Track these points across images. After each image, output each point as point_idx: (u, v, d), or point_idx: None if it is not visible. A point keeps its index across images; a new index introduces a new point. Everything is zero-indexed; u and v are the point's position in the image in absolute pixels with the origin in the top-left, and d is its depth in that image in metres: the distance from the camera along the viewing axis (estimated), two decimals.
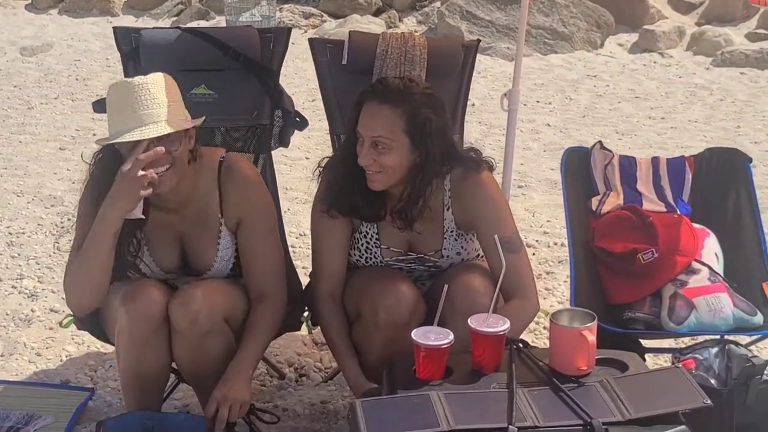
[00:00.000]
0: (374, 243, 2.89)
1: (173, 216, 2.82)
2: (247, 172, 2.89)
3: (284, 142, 3.52)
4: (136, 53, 3.41)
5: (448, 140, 2.80)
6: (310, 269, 3.01)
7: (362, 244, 2.90)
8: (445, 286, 2.50)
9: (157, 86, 2.59)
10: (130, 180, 2.52)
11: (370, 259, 2.90)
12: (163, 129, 2.54)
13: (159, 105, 2.57)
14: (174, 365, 2.86)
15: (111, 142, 2.58)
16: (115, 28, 3.50)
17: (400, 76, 2.81)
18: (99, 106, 3.32)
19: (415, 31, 10.30)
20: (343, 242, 2.90)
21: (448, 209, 2.85)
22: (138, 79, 2.59)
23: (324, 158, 2.95)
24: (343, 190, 2.81)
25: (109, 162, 2.67)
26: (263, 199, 2.92)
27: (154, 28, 3.67)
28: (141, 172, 2.52)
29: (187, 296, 2.65)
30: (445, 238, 2.86)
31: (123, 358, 2.74)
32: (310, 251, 2.98)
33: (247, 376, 2.73)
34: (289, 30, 3.58)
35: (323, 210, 2.84)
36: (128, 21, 11.59)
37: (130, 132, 2.53)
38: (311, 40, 3.51)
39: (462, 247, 2.88)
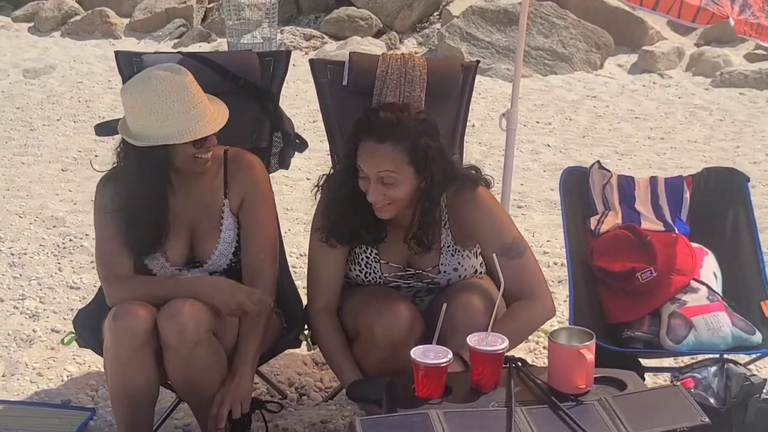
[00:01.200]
0: (374, 258, 2.92)
1: (184, 199, 2.93)
2: (251, 159, 3.07)
3: (284, 164, 3.53)
4: None
5: (447, 161, 2.83)
6: None
7: (362, 260, 2.92)
8: (444, 305, 2.52)
9: (192, 84, 2.77)
10: (233, 305, 2.75)
11: (370, 274, 2.92)
12: (224, 115, 2.84)
13: (202, 99, 2.79)
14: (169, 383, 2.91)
15: (184, 141, 2.73)
16: (116, 53, 3.54)
17: (391, 107, 2.77)
18: (101, 129, 3.36)
19: (416, 53, 10.36)
20: (341, 259, 2.93)
21: (445, 225, 2.89)
22: (171, 79, 2.73)
23: (322, 176, 2.97)
24: (342, 219, 2.84)
25: (135, 159, 2.79)
26: (265, 182, 3.07)
27: (155, 52, 3.71)
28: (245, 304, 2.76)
29: (174, 309, 2.69)
30: (442, 254, 2.89)
31: (110, 376, 2.79)
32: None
33: (246, 371, 2.83)
34: (289, 53, 3.60)
35: (321, 239, 2.88)
36: (130, 43, 11.65)
37: (194, 128, 2.73)
38: (312, 61, 3.54)
39: (459, 263, 2.90)
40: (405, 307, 2.76)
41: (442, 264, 2.90)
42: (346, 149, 2.82)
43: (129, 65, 3.46)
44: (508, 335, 2.48)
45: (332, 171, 2.98)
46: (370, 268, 2.92)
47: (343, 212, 2.83)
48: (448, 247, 2.90)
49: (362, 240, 2.89)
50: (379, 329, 2.71)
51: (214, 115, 2.80)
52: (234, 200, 2.99)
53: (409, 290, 2.96)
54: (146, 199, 2.83)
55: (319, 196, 2.95)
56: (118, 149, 2.86)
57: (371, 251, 2.92)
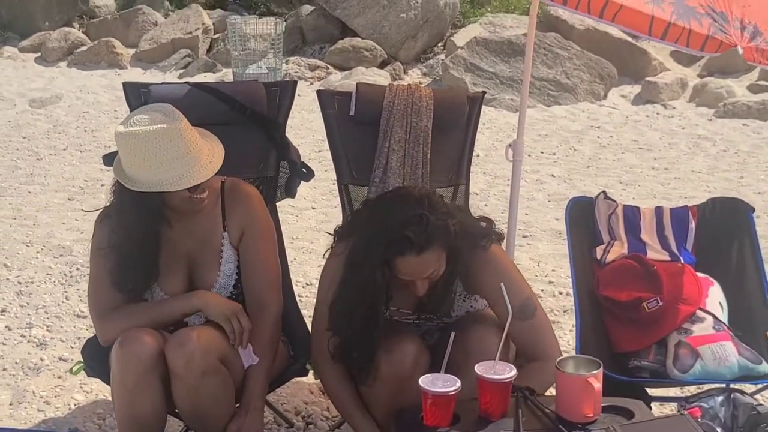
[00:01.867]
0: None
1: (182, 233, 2.92)
2: (249, 189, 3.05)
3: (290, 193, 3.55)
4: None
5: (466, 228, 2.77)
6: None
7: None
8: (452, 334, 2.52)
9: (186, 130, 2.73)
10: (229, 313, 2.79)
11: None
12: (219, 158, 2.80)
13: (197, 143, 2.75)
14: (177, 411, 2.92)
15: (179, 188, 2.71)
16: (124, 84, 3.56)
17: (411, 217, 2.62)
18: (109, 159, 3.38)
19: (420, 83, 10.40)
20: None
21: (457, 278, 2.86)
22: (164, 129, 2.68)
23: (337, 228, 2.93)
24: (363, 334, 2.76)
25: (129, 199, 2.77)
26: (264, 213, 3.07)
27: (162, 83, 3.73)
28: (231, 327, 2.78)
29: (182, 338, 2.69)
30: (455, 301, 2.90)
31: (117, 403, 2.79)
32: (315, 300, 3.00)
33: (258, 407, 2.84)
34: (295, 83, 3.63)
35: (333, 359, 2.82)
36: (136, 73, 11.72)
37: (188, 175, 2.70)
38: (319, 92, 3.56)
39: (471, 306, 2.92)
40: (411, 341, 2.75)
41: (454, 310, 2.91)
42: (373, 261, 2.66)
43: (137, 96, 3.49)
44: None
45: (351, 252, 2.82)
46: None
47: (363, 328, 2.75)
48: (461, 294, 2.90)
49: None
50: (386, 364, 2.70)
51: (209, 158, 2.77)
52: (233, 233, 2.98)
53: (419, 329, 2.96)
54: (141, 237, 2.82)
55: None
56: (113, 188, 2.85)
57: None
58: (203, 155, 2.75)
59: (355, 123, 3.49)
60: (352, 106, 3.49)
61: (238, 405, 2.88)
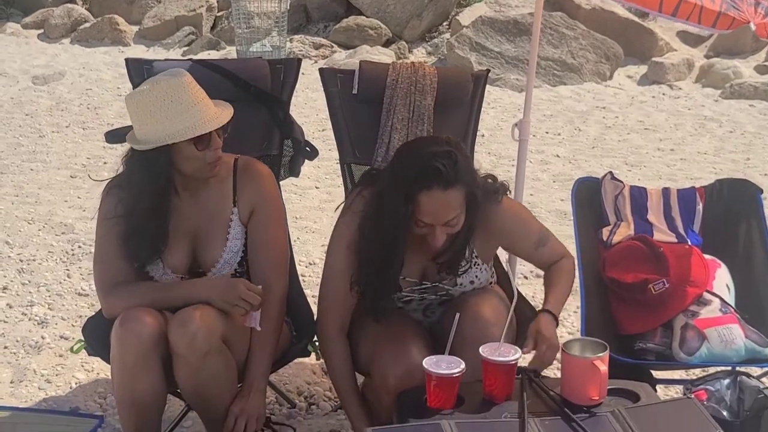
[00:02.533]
0: None
1: (190, 205, 2.89)
2: (262, 168, 3.02)
3: (294, 172, 3.53)
4: None
5: (480, 182, 2.77)
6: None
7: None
8: (457, 315, 2.49)
9: (191, 84, 2.73)
10: (233, 299, 2.71)
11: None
12: (227, 115, 2.77)
13: (203, 98, 2.75)
14: (179, 391, 2.90)
15: (184, 138, 2.68)
16: (127, 60, 3.53)
17: (440, 153, 2.59)
18: (111, 136, 3.36)
19: (425, 62, 10.35)
20: None
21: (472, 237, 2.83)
22: (169, 81, 2.70)
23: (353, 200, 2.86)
24: (386, 270, 2.76)
25: (140, 165, 2.76)
26: (276, 194, 3.04)
27: (165, 59, 3.70)
28: (242, 308, 2.72)
29: (185, 318, 2.66)
30: (465, 265, 2.86)
31: (117, 383, 2.77)
32: (319, 280, 2.96)
33: (260, 388, 2.84)
34: (299, 61, 3.59)
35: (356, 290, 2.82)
36: (139, 51, 11.68)
37: (194, 126, 2.68)
38: (321, 70, 3.52)
39: (476, 276, 2.87)
40: (418, 351, 2.68)
41: (459, 277, 2.87)
42: (397, 198, 2.61)
43: (139, 73, 3.46)
44: (560, 300, 2.82)
45: (366, 210, 2.79)
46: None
47: (387, 262, 2.74)
48: (468, 261, 2.86)
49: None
50: (393, 378, 2.65)
51: (216, 113, 2.75)
52: (243, 210, 2.94)
53: (421, 303, 2.93)
54: (150, 206, 2.79)
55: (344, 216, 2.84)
56: (125, 158, 2.83)
57: None
58: (210, 110, 2.74)
59: (357, 101, 3.46)
60: (355, 84, 3.45)
61: (240, 385, 2.87)
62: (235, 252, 2.94)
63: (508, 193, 2.90)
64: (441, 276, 2.85)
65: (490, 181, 2.85)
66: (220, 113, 2.77)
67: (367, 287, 2.79)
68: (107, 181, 2.93)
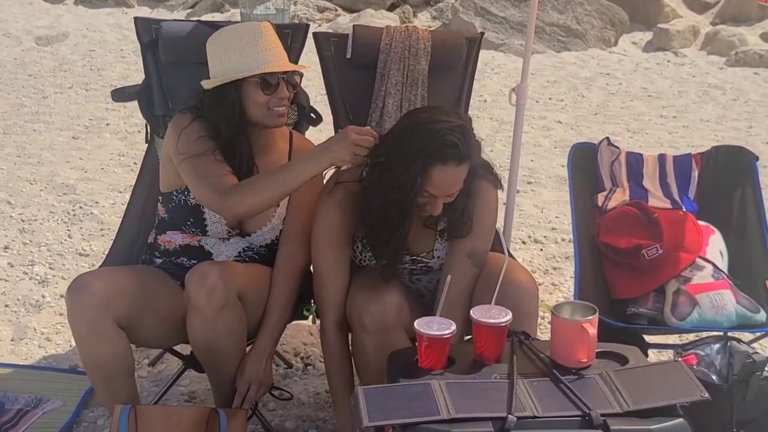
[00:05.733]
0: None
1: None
2: (311, 143, 3.07)
3: None
4: (155, 44, 3.46)
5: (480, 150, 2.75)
6: None
7: (357, 247, 2.87)
8: (448, 276, 2.51)
9: (268, 31, 2.85)
10: (353, 149, 2.61)
11: (364, 261, 2.88)
12: (297, 68, 2.88)
13: (278, 45, 2.86)
14: (176, 348, 2.97)
15: (252, 73, 2.74)
16: (136, 19, 3.54)
17: (453, 126, 2.56)
18: (119, 94, 3.38)
19: (429, 27, 10.31)
20: (347, 265, 2.86)
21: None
22: (248, 25, 2.87)
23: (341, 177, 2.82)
24: (397, 237, 2.72)
25: (211, 102, 2.82)
26: None
27: (174, 20, 3.70)
28: (364, 149, 2.63)
29: (203, 271, 2.68)
30: (437, 240, 2.86)
31: (79, 351, 2.77)
32: None
33: (271, 355, 2.88)
34: (307, 26, 3.56)
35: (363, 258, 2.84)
36: (143, 12, 11.63)
37: (262, 65, 2.75)
38: (315, 34, 3.51)
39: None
40: (393, 293, 2.71)
41: (436, 249, 2.86)
42: (407, 170, 2.56)
43: (148, 32, 3.49)
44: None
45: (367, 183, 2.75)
46: (364, 256, 2.87)
47: (398, 231, 2.70)
48: (445, 234, 2.84)
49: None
50: (368, 315, 2.67)
51: (286, 61, 2.85)
52: None
53: (404, 269, 2.95)
54: (231, 135, 2.81)
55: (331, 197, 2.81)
56: (196, 103, 2.87)
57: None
58: (282, 57, 2.84)
59: (352, 66, 3.47)
60: (348, 49, 3.46)
61: (249, 346, 2.89)
62: (281, 221, 2.96)
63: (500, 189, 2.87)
64: (419, 247, 2.85)
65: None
66: (291, 65, 2.86)
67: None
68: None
